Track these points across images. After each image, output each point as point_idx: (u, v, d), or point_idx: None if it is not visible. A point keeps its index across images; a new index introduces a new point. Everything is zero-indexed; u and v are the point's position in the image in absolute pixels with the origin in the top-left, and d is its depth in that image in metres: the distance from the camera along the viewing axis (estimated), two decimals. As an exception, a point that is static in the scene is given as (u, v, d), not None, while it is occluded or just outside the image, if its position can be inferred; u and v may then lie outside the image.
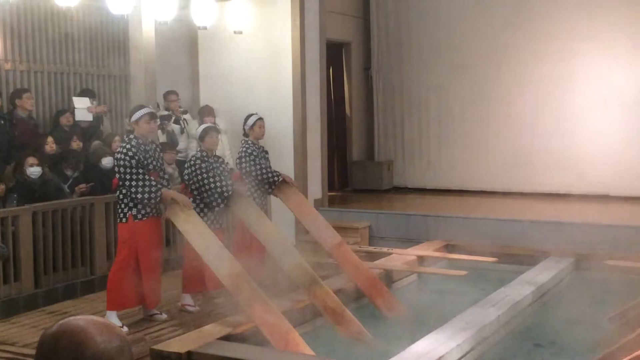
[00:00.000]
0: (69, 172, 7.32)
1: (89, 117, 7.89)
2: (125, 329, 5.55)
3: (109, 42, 8.82)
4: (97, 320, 1.55)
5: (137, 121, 5.81)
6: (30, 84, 7.99)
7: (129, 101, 8.51)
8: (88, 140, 7.86)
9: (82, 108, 7.81)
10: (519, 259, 7.95)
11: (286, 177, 6.93)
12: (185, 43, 9.93)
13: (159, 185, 5.71)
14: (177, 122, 8.80)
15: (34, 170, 6.73)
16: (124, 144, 5.80)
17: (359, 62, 12.23)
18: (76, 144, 7.56)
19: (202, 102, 9.78)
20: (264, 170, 6.80)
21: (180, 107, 9.01)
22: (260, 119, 7.00)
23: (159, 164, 5.91)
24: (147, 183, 5.67)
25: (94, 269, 7.01)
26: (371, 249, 8.54)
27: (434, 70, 11.50)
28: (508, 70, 10.89)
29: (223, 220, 6.55)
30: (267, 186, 6.83)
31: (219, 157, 6.58)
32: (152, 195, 5.67)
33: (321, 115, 9.89)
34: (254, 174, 6.77)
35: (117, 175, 5.75)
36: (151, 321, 5.93)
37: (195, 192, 6.27)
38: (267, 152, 7.12)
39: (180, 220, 5.76)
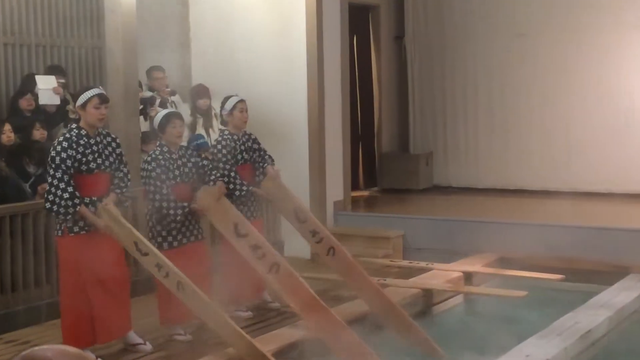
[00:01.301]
0: (30, 169, 7.38)
1: (55, 101, 7.94)
2: (101, 361, 5.62)
3: (79, 6, 8.87)
4: (68, 350, 1.57)
5: (83, 106, 5.75)
6: (-18, 58, 8.07)
7: (104, 79, 8.55)
8: (53, 129, 7.92)
9: (47, 89, 7.87)
10: (591, 276, 7.96)
11: (258, 190, 6.82)
12: (174, 7, 9.98)
13: (79, 197, 5.58)
14: (163, 105, 8.84)
15: (-11, 163, 6.80)
16: (59, 136, 5.81)
17: (390, 30, 12.25)
18: (39, 133, 7.61)
19: (195, 80, 9.85)
20: (233, 182, 6.70)
21: (167, 86, 9.06)
22: (242, 100, 6.93)
23: (109, 163, 5.83)
24: (62, 189, 5.55)
25: (62, 288, 7.05)
26: (406, 263, 8.56)
27: (484, 39, 11.49)
28: (576, 42, 10.84)
29: (200, 229, 6.46)
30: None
31: (187, 150, 6.49)
32: (62, 209, 5.55)
33: (342, 97, 9.92)
34: (225, 180, 6.68)
35: None
36: (133, 352, 5.96)
37: (150, 203, 6.23)
38: (255, 141, 7.05)
39: (115, 235, 5.67)
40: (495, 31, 11.37)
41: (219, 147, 6.81)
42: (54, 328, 6.65)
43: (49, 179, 5.62)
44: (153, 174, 6.13)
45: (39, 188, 7.23)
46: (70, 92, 8.43)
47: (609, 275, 7.86)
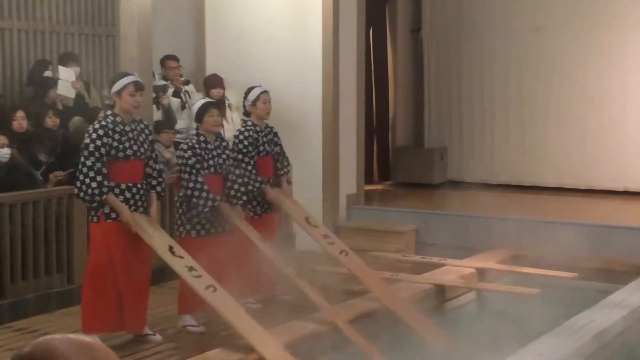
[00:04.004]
0: (42, 157, 7.39)
1: (71, 94, 8.02)
2: (111, 352, 5.62)
3: (94, -6, 8.90)
4: (79, 339, 1.57)
5: (118, 93, 5.81)
6: (-5, 44, 8.09)
7: (117, 67, 8.58)
8: (67, 122, 7.94)
9: (66, 81, 7.93)
10: (606, 274, 7.92)
11: (272, 193, 6.89)
12: (189, -4, 9.99)
13: (107, 186, 5.63)
14: (176, 94, 8.88)
15: (5, 153, 6.82)
16: (95, 123, 5.85)
17: (406, 23, 12.23)
18: (51, 121, 7.63)
19: (209, 70, 9.85)
20: (248, 176, 6.73)
21: (181, 76, 9.09)
22: (265, 92, 7.00)
23: (143, 150, 5.88)
24: (91, 177, 5.59)
25: (72, 276, 7.09)
26: (418, 258, 8.54)
27: (502, 33, 11.46)
28: (595, 38, 10.80)
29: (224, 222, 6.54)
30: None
31: (222, 142, 6.59)
32: (90, 196, 5.61)
33: (357, 89, 9.91)
34: (241, 172, 6.73)
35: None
36: (143, 343, 5.99)
37: (182, 191, 6.30)
38: (276, 135, 7.11)
39: (146, 235, 5.77)
40: (514, 25, 11.33)
41: (241, 137, 6.86)
42: (64, 316, 6.74)
43: (80, 166, 5.67)
44: (189, 162, 6.22)
45: (51, 176, 7.26)
46: (84, 79, 8.46)
47: (623, 274, 7.82)
